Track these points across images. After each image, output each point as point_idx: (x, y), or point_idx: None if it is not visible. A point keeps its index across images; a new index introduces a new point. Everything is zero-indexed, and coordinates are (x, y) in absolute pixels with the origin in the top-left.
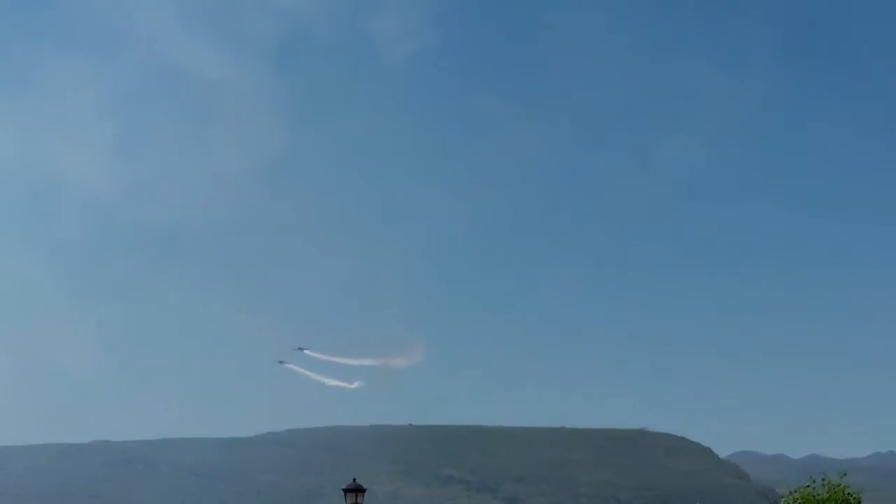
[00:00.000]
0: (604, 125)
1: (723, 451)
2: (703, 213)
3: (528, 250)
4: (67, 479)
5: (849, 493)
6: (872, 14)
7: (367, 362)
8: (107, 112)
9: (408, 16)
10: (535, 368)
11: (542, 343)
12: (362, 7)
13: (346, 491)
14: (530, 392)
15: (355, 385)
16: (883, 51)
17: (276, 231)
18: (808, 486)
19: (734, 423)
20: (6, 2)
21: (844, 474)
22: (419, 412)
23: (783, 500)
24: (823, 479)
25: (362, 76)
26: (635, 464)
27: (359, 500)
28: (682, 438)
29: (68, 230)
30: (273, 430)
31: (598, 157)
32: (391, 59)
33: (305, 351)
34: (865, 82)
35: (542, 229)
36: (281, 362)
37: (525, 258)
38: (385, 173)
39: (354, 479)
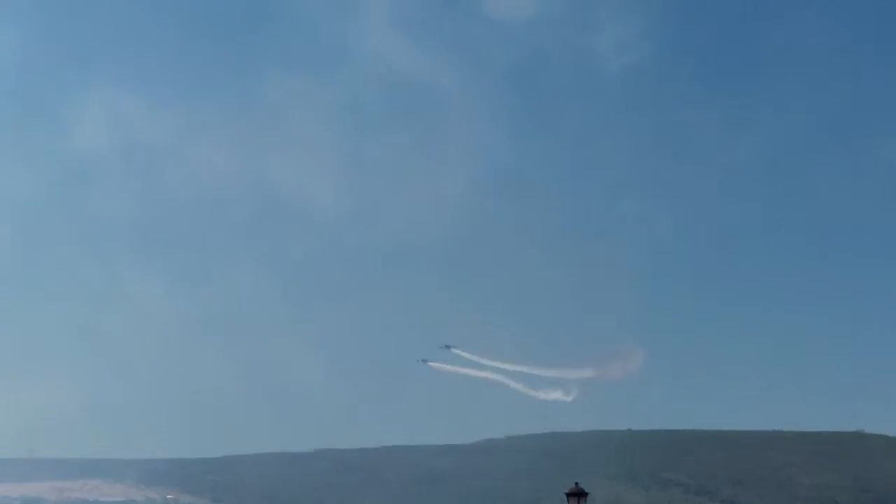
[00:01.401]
0: (818, 133)
1: None
2: None
3: (745, 256)
4: (292, 487)
5: None
6: None
7: (586, 374)
8: (330, 129)
9: (623, 29)
10: (751, 372)
11: (759, 347)
12: (581, 21)
13: (568, 495)
14: (747, 395)
15: (572, 397)
16: None
17: (498, 246)
18: None
19: None
20: (224, 24)
21: None
22: (638, 417)
23: None
24: None
25: (581, 89)
26: (853, 466)
27: None
28: None
29: (293, 248)
30: (493, 437)
31: (816, 165)
32: (608, 72)
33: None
34: None
35: (759, 235)
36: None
37: (743, 264)
38: (603, 184)
39: (577, 484)
